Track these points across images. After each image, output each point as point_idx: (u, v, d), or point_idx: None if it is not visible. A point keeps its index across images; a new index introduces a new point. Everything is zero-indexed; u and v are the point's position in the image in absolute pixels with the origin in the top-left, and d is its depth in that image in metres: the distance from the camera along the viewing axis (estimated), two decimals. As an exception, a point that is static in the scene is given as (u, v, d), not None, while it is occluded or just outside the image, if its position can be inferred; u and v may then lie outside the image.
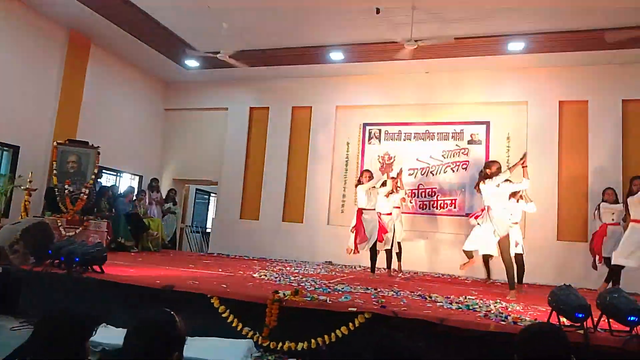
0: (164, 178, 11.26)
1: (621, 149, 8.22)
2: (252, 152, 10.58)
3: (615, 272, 5.99)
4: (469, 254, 6.03)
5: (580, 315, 3.27)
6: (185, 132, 11.31)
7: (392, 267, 7.64)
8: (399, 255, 8.00)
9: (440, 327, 3.51)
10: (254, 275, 5.91)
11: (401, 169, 7.97)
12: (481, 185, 5.71)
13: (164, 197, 10.45)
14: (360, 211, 6.82)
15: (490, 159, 8.93)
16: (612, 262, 5.97)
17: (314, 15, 7.73)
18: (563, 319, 3.40)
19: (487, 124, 9.15)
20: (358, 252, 6.83)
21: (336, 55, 9.02)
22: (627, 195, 6.00)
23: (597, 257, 6.56)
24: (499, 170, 5.65)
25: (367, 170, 7.10)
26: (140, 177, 10.86)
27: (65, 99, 8.59)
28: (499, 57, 8.53)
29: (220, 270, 6.27)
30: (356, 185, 7.08)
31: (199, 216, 13.72)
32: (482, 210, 5.72)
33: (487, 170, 5.69)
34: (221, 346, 3.68)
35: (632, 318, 3.19)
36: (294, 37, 8.57)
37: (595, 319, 3.35)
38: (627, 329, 3.23)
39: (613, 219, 6.58)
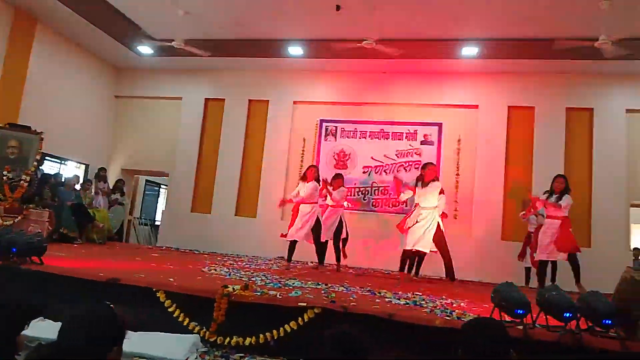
0: (112, 168, 10.83)
1: (563, 154, 8.66)
2: (206, 144, 10.37)
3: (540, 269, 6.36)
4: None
5: (520, 312, 3.40)
6: (136, 121, 10.93)
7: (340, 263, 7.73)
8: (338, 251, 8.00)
9: (389, 322, 3.56)
10: (204, 269, 5.79)
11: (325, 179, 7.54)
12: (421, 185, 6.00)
13: (111, 188, 10.06)
14: (298, 204, 6.99)
15: (442, 160, 9.22)
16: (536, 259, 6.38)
17: (273, 8, 7.66)
18: (505, 315, 3.53)
19: (440, 125, 9.39)
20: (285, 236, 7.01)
21: (295, 50, 8.97)
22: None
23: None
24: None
25: (313, 166, 7.24)
26: (87, 166, 10.41)
27: (7, 80, 8.10)
28: (453, 60, 8.76)
29: (168, 264, 6.11)
30: (301, 180, 7.20)
31: (148, 208, 13.32)
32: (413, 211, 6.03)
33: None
34: (166, 341, 3.58)
35: (568, 314, 3.36)
36: (253, 29, 8.46)
37: (535, 315, 3.50)
38: (563, 324, 3.39)
39: None
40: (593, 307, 3.36)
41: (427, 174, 6.21)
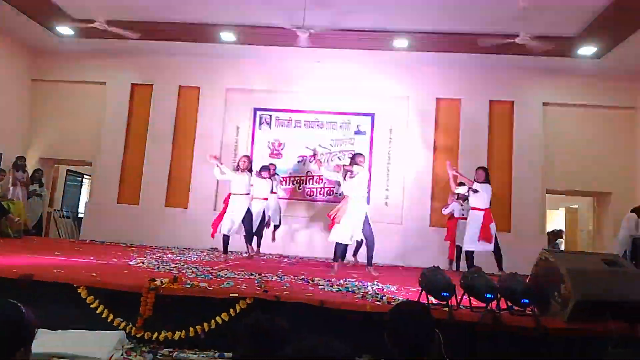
0: (29, 157, 10.02)
1: (487, 144, 9.14)
2: (133, 131, 9.88)
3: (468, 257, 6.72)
4: None
5: (445, 294, 3.56)
6: (56, 107, 10.19)
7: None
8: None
9: (321, 309, 3.59)
10: (131, 263, 5.54)
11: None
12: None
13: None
14: (229, 195, 6.93)
15: (374, 149, 9.42)
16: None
17: (204, -9, 7.39)
18: (431, 298, 3.67)
19: (372, 115, 9.57)
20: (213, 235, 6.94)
21: (227, 36, 8.73)
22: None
23: None
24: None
25: (246, 157, 7.18)
26: (0, 155, 9.59)
27: None
28: (384, 52, 8.92)
29: (92, 258, 5.77)
30: (236, 170, 7.10)
31: (70, 200, 12.53)
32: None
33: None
34: (88, 339, 3.38)
35: (489, 295, 3.55)
36: (182, 11, 8.09)
37: (459, 297, 3.68)
38: (485, 305, 3.59)
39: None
40: (511, 288, 3.58)
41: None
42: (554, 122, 9.23)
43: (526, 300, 3.57)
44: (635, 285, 3.44)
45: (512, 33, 6.97)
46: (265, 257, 7.67)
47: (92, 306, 3.71)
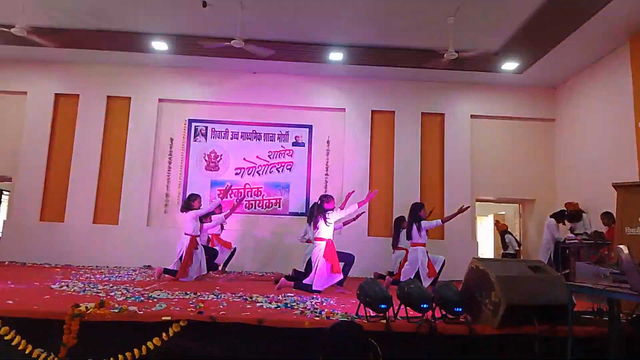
0: (-63, 172, 9.17)
1: (419, 155, 9.44)
2: (57, 144, 9.28)
3: None
4: None
5: (383, 306, 3.59)
6: (-31, 118, 9.39)
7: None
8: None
9: (259, 328, 3.50)
10: (53, 286, 5.15)
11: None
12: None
13: None
14: (194, 239, 6.62)
15: (312, 161, 9.45)
16: None
17: (134, -1, 7.12)
18: (369, 310, 3.69)
19: (310, 127, 9.61)
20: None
21: (159, 45, 8.46)
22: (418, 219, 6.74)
23: None
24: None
25: (198, 195, 6.98)
26: None
27: None
28: (321, 65, 9.01)
29: (9, 282, 5.32)
30: (184, 210, 6.82)
31: (-14, 218, 11.54)
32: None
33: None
34: (2, 375, 3.08)
35: (424, 305, 3.63)
36: (111, 19, 7.77)
37: (396, 309, 3.72)
38: (421, 314, 3.66)
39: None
40: (445, 297, 3.68)
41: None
42: (480, 134, 9.72)
43: (459, 309, 3.68)
44: (557, 289, 3.64)
45: (441, 47, 7.26)
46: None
47: (6, 338, 3.39)
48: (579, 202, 8.21)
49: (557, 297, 3.58)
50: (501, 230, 10.14)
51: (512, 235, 9.92)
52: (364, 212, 6.58)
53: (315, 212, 5.87)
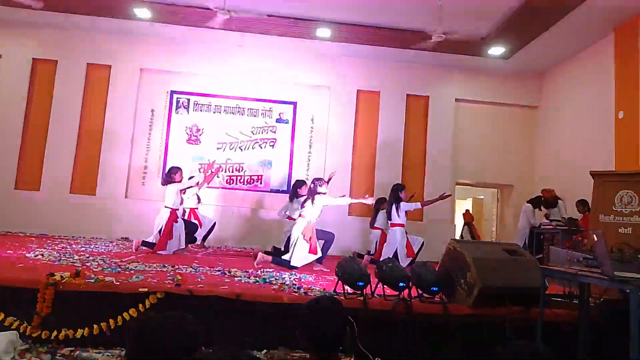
0: None
1: (403, 136, 9.46)
2: (33, 110, 9.00)
3: None
4: None
5: (360, 284, 3.63)
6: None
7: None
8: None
9: (237, 302, 3.51)
10: (28, 255, 5.07)
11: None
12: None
13: None
14: (174, 213, 6.57)
15: (295, 138, 9.40)
16: None
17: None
18: (347, 287, 3.73)
19: (295, 104, 9.52)
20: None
21: (142, 12, 8.20)
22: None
23: None
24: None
25: (179, 168, 6.90)
26: None
27: None
28: (307, 41, 8.87)
29: (-19, 250, 5.22)
30: (165, 183, 6.77)
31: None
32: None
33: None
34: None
35: (401, 284, 3.68)
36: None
37: (374, 287, 3.77)
38: (397, 293, 3.71)
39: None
40: (422, 277, 3.74)
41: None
42: (464, 118, 9.76)
43: (435, 288, 3.75)
44: (531, 273, 3.72)
45: (429, 29, 7.21)
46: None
47: (-22, 305, 3.34)
48: (557, 189, 8.36)
49: (530, 280, 3.67)
50: (466, 221, 10.31)
51: (472, 228, 10.11)
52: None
53: (308, 193, 5.97)
